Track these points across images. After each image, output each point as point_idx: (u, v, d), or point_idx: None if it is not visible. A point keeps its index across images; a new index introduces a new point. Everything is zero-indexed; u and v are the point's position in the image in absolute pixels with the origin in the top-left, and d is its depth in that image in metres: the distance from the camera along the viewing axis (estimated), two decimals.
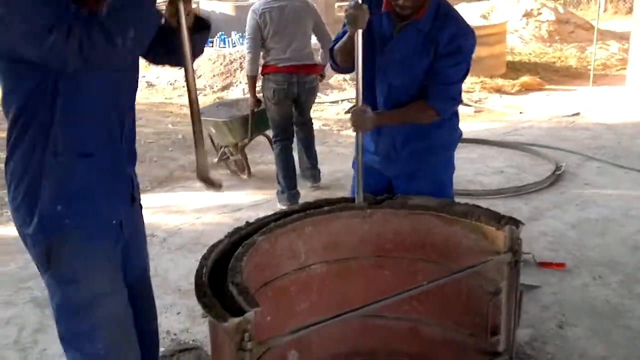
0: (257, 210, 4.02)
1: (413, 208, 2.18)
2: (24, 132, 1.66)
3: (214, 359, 1.80)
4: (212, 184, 1.93)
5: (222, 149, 5.10)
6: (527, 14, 10.82)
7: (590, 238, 3.68)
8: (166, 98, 7.95)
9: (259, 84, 4.40)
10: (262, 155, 5.45)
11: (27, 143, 1.66)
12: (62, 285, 1.74)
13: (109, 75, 1.68)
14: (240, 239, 1.94)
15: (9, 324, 2.92)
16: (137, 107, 1.90)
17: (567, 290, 3.10)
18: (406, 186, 2.44)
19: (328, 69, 3.70)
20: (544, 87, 8.05)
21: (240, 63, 8.09)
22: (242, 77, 7.99)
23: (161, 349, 2.64)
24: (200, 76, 8.11)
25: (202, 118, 5.40)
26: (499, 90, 7.84)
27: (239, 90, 7.84)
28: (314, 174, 4.68)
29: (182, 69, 1.81)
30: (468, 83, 7.59)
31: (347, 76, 8.17)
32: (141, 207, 1.99)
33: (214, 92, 7.95)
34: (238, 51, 8.34)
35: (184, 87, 8.77)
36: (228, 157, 5.11)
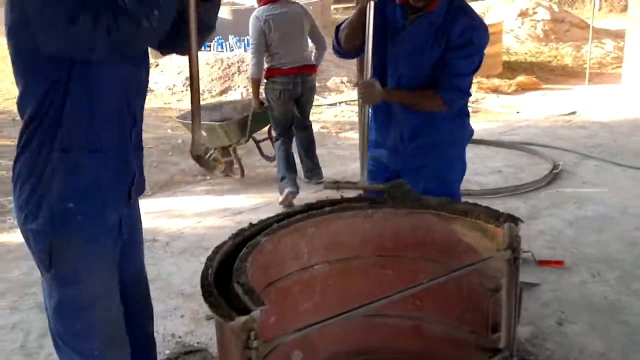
0: (258, 214, 4.05)
1: (413, 207, 2.22)
2: (35, 131, 1.68)
3: (221, 358, 1.83)
4: (206, 165, 1.96)
5: (210, 153, 5.13)
6: (523, 14, 10.88)
7: (588, 236, 3.72)
8: (165, 103, 7.98)
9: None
10: (261, 159, 5.48)
11: (37, 141, 1.68)
12: (63, 286, 1.76)
13: (120, 72, 1.70)
14: (244, 240, 1.97)
15: (14, 329, 2.95)
16: None
17: (566, 287, 3.14)
18: (413, 182, 2.46)
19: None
20: (540, 87, 8.10)
21: (238, 67, 8.12)
22: (240, 81, 8.02)
23: (166, 352, 2.68)
24: None
25: (184, 121, 5.40)
26: (495, 90, 7.89)
27: (237, 94, 7.87)
28: (317, 173, 4.80)
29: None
30: None
31: (345, 79, 8.21)
32: (143, 188, 2.00)
33: (212, 96, 7.97)
34: (236, 55, 8.37)
35: (182, 92, 8.80)
36: (216, 160, 5.17)
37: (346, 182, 2.79)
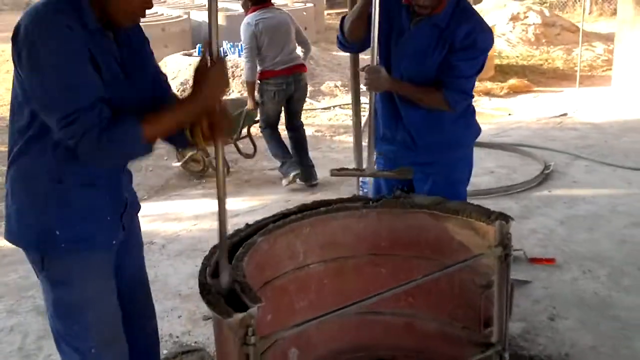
0: (254, 216, 4.03)
1: (406, 206, 2.26)
2: (28, 148, 1.69)
3: (219, 355, 1.86)
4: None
5: (189, 155, 5.20)
6: (514, 18, 10.99)
7: (579, 234, 3.77)
8: None
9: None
10: (257, 162, 5.52)
11: (31, 163, 1.70)
12: (55, 287, 1.79)
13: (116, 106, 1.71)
14: (241, 240, 2.01)
15: (12, 332, 2.98)
16: None
17: (558, 284, 3.19)
18: (420, 181, 2.49)
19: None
20: (532, 89, 8.18)
21: (233, 72, 8.15)
22: (234, 86, 8.05)
23: (164, 352, 2.70)
24: None
25: None
26: (487, 93, 7.96)
27: None
28: (311, 172, 4.92)
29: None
30: None
31: (339, 83, 8.27)
32: (139, 207, 2.03)
33: None
34: (230, 60, 8.40)
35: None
36: (195, 160, 5.27)
37: (353, 168, 2.82)
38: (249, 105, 4.91)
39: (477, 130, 2.59)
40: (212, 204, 1.69)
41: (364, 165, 3.69)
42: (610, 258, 3.44)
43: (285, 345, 2.14)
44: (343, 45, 2.52)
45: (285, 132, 5.05)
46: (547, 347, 2.66)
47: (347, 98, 7.29)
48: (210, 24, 1.56)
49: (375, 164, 2.51)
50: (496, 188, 4.58)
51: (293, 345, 2.20)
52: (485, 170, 5.04)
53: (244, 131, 5.33)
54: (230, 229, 2.08)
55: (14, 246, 1.80)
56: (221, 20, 10.33)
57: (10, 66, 1.68)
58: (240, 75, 7.72)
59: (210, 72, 1.61)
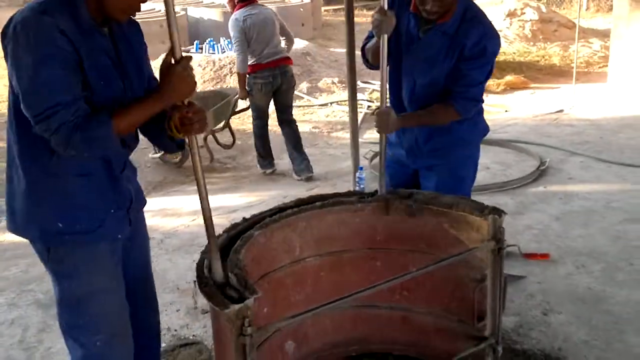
0: (251, 211, 4.07)
1: (402, 202, 2.29)
2: (26, 142, 1.72)
3: (217, 346, 1.90)
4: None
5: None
6: (511, 14, 11.00)
7: (574, 229, 3.81)
8: None
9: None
10: (253, 159, 5.54)
11: (29, 156, 1.73)
12: (61, 278, 1.82)
13: (109, 104, 1.74)
14: (238, 233, 2.04)
15: (13, 325, 3.00)
16: None
17: (552, 279, 3.22)
18: (428, 179, 2.55)
19: None
20: (529, 86, 8.20)
21: (230, 68, 8.17)
22: (232, 82, 8.07)
23: (162, 345, 2.73)
24: None
25: None
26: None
27: None
28: (306, 165, 5.04)
29: None
30: None
31: (336, 79, 8.29)
32: (145, 202, 2.06)
33: None
34: (227, 57, 8.42)
35: None
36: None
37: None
38: (240, 94, 5.14)
39: (484, 128, 2.63)
40: (211, 200, 1.72)
41: (360, 162, 3.76)
42: (605, 253, 3.47)
43: (281, 338, 2.18)
44: (369, 67, 2.58)
45: (280, 130, 5.16)
46: (540, 341, 2.69)
47: (345, 94, 7.31)
48: (170, 25, 1.59)
49: (386, 169, 2.52)
50: (492, 184, 4.61)
51: (289, 337, 2.23)
52: (481, 166, 5.00)
53: (222, 124, 5.57)
54: (228, 224, 2.11)
55: (14, 240, 1.83)
56: (219, 17, 10.35)
57: None
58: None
59: (173, 69, 1.65)
